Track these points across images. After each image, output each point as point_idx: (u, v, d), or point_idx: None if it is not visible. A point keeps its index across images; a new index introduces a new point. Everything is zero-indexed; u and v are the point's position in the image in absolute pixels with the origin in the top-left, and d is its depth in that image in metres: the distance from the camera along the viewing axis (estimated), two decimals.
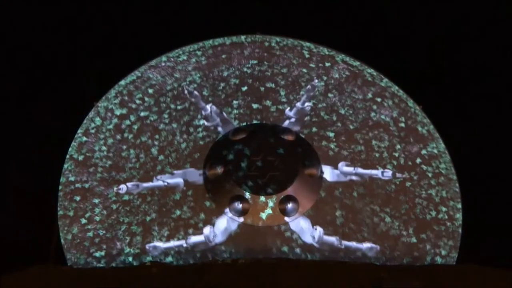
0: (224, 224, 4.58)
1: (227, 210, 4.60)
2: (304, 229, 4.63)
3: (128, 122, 5.08)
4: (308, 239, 4.60)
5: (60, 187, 4.84)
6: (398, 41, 6.37)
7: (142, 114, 5.13)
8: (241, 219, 4.59)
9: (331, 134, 5.08)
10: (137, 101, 5.18)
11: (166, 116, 5.12)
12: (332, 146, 5.01)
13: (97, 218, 4.70)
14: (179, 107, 5.17)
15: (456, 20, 6.37)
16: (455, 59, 6.28)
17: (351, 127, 5.11)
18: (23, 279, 4.09)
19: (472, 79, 6.16)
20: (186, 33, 5.92)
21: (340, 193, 4.82)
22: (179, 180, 4.80)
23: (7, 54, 6.04)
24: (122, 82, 5.26)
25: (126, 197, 4.78)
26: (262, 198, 4.59)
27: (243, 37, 5.47)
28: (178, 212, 4.69)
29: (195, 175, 4.82)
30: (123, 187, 4.79)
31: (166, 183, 4.79)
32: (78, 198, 4.79)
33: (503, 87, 6.07)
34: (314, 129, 5.07)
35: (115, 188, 4.82)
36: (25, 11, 6.29)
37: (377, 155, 5.02)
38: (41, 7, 6.25)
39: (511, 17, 6.20)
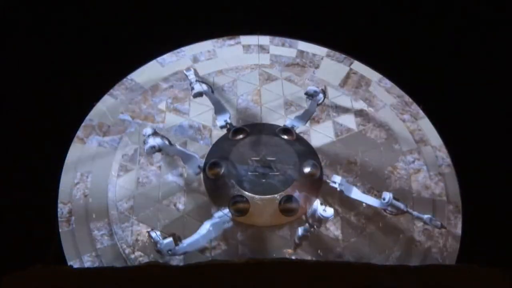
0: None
1: (227, 210, 4.61)
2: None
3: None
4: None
5: (60, 186, 4.86)
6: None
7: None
8: (241, 219, 4.59)
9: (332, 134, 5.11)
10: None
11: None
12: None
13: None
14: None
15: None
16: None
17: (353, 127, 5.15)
18: (23, 279, 4.08)
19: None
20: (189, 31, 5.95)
21: None
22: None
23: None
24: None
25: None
26: (263, 198, 4.59)
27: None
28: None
29: (194, 165, 4.75)
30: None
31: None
32: (78, 196, 4.81)
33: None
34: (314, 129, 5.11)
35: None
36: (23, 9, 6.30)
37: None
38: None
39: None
